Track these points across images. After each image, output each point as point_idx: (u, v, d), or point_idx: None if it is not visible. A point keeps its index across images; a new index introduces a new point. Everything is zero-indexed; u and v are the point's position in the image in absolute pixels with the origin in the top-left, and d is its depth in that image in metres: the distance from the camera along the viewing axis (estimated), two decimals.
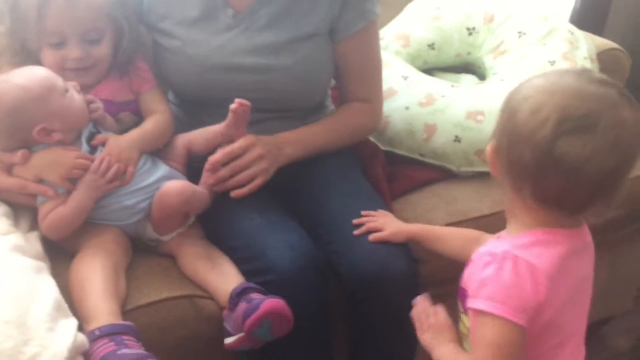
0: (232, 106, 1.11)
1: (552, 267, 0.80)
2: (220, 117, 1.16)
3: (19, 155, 1.03)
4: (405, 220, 1.27)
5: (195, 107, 1.27)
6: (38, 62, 1.12)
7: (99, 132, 1.10)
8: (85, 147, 1.07)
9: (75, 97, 1.06)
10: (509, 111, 0.80)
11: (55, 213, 1.04)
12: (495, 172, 0.84)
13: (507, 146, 0.80)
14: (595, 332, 1.71)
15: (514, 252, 0.80)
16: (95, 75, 1.14)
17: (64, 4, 1.07)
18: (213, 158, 1.14)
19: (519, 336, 0.79)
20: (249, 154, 1.15)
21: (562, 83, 0.78)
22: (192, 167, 1.20)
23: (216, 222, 1.16)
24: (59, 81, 1.05)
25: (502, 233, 0.88)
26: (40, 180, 1.04)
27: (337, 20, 1.22)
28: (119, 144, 1.09)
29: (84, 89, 1.11)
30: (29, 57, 1.12)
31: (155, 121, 1.17)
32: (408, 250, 1.12)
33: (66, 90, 1.05)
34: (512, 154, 0.79)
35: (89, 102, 1.09)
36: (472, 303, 0.81)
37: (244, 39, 1.20)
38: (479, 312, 0.80)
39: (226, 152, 1.14)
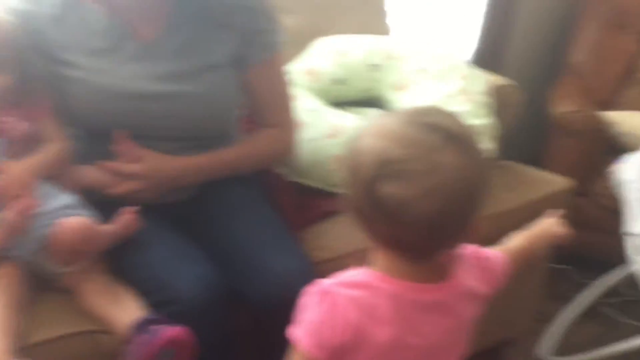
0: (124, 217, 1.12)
1: (371, 314, 0.79)
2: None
3: None
4: (314, 249, 1.30)
5: (100, 138, 1.25)
6: None
7: None
8: None
9: None
10: (348, 152, 0.81)
11: None
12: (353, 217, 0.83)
13: (346, 188, 0.80)
14: (496, 354, 1.77)
15: (337, 289, 0.80)
16: None
17: None
18: None
19: None
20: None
21: (389, 126, 0.78)
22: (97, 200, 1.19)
23: (119, 255, 1.14)
24: None
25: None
26: None
27: (243, 51, 1.26)
28: (12, 169, 1.07)
29: None
30: None
31: (48, 149, 1.15)
32: (312, 272, 1.14)
33: None
34: (349, 195, 0.80)
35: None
36: (292, 328, 0.82)
37: (149, 68, 1.21)
38: (291, 338, 0.81)
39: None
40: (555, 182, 1.67)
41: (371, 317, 0.80)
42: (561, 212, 1.11)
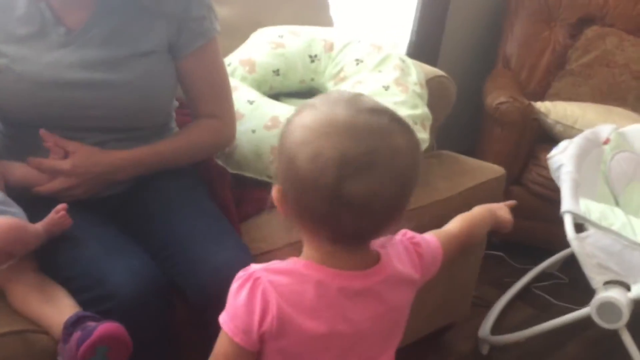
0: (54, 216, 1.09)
1: (296, 301, 0.79)
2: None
3: None
4: (253, 241, 1.29)
5: (27, 130, 1.21)
6: None
7: None
8: None
9: None
10: (288, 156, 0.76)
11: None
12: (285, 213, 0.81)
13: (293, 193, 0.77)
14: (440, 338, 1.82)
15: (262, 275, 0.80)
16: None
17: None
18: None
19: (239, 355, 0.81)
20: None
21: (335, 119, 0.74)
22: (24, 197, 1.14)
23: (50, 252, 1.10)
24: None
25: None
26: None
27: (176, 38, 1.23)
28: None
29: None
30: None
31: None
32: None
33: None
34: (300, 200, 0.76)
35: None
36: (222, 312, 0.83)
37: (77, 55, 1.17)
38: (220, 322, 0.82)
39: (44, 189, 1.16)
40: (489, 170, 1.72)
41: (296, 304, 0.79)
42: (512, 202, 1.13)
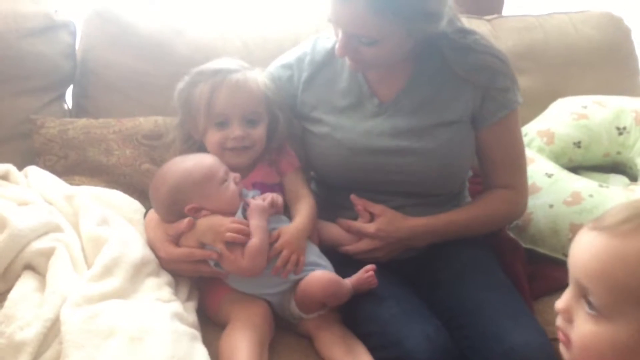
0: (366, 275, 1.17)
1: None
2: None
3: (185, 222, 1.14)
4: (547, 323, 1.21)
5: (337, 192, 1.33)
6: (201, 147, 1.25)
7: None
8: (239, 215, 1.16)
9: (230, 188, 1.16)
10: None
11: (248, 250, 1.11)
12: None
13: None
14: None
15: None
16: (250, 156, 1.25)
17: (231, 90, 1.20)
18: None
19: None
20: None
21: None
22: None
23: (353, 308, 1.18)
24: (220, 172, 1.16)
25: None
26: (203, 245, 1.14)
27: (479, 109, 1.26)
28: (291, 233, 1.16)
29: (241, 170, 1.22)
30: (193, 144, 1.27)
31: (308, 206, 1.24)
32: (551, 349, 1.07)
33: (224, 181, 1.16)
34: None
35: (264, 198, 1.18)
36: None
37: (388, 124, 1.26)
38: None
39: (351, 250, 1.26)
40: None
41: None
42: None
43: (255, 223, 1.12)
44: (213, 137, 1.22)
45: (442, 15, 1.17)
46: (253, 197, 1.19)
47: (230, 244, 1.11)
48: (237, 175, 1.18)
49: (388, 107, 1.28)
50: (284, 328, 1.18)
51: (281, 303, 1.17)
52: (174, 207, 1.16)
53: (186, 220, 1.14)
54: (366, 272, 1.16)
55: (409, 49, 1.21)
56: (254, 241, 1.11)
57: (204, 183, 1.14)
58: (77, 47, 1.55)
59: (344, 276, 1.17)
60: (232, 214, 1.15)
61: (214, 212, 1.14)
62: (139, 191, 1.36)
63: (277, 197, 1.20)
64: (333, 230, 1.28)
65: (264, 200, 1.17)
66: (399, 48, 1.19)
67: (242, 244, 1.11)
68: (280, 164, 1.29)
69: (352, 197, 1.27)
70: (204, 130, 1.23)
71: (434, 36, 1.21)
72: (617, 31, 1.81)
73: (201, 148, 1.26)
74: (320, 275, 1.13)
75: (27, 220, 1.07)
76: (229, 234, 1.11)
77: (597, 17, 1.81)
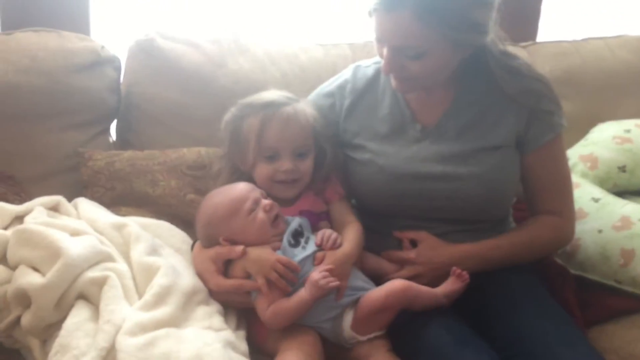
0: None
1: None
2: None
3: (238, 251, 1.14)
4: (603, 351, 1.18)
5: (379, 219, 1.32)
6: (249, 178, 1.25)
7: (302, 230, 1.20)
8: (285, 242, 1.16)
9: (258, 218, 1.16)
10: None
11: (279, 306, 1.11)
12: None
13: None
14: None
15: None
16: (298, 188, 1.25)
17: (282, 124, 1.21)
18: None
19: None
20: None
21: None
22: None
23: (404, 336, 1.16)
24: (247, 203, 1.17)
25: None
26: (249, 275, 1.14)
27: (524, 133, 1.25)
28: (338, 258, 1.16)
29: (287, 202, 1.23)
30: (241, 175, 1.27)
31: (356, 233, 1.23)
32: None
33: (252, 211, 1.16)
34: None
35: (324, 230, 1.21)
36: None
37: (432, 150, 1.26)
38: None
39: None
40: None
41: None
42: None
43: (303, 295, 1.11)
44: (262, 170, 1.23)
45: (488, 29, 1.17)
46: (321, 228, 1.23)
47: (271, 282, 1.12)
48: (267, 203, 1.18)
49: (431, 131, 1.27)
50: (334, 356, 1.16)
51: (333, 329, 1.16)
52: (212, 241, 1.18)
53: (240, 248, 1.14)
54: (454, 273, 1.18)
55: (454, 66, 1.21)
56: (288, 305, 1.11)
57: (229, 217, 1.16)
58: (121, 81, 1.59)
59: None
60: (263, 243, 1.15)
61: (244, 243, 1.15)
62: (185, 222, 1.36)
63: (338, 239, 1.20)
64: (374, 259, 1.27)
65: (328, 271, 1.12)
66: (444, 62, 1.19)
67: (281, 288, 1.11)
68: (325, 192, 1.29)
69: (395, 233, 1.27)
70: (253, 163, 1.24)
71: (480, 52, 1.21)
72: None
73: (249, 179, 1.26)
74: (397, 282, 1.15)
75: (80, 250, 1.08)
76: (273, 273, 1.11)
77: (634, 42, 1.80)
